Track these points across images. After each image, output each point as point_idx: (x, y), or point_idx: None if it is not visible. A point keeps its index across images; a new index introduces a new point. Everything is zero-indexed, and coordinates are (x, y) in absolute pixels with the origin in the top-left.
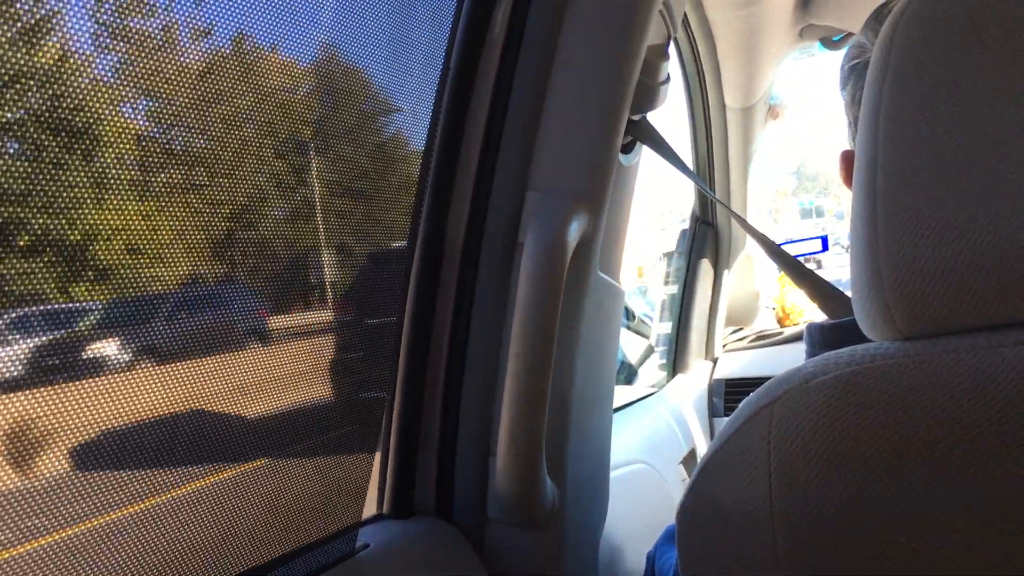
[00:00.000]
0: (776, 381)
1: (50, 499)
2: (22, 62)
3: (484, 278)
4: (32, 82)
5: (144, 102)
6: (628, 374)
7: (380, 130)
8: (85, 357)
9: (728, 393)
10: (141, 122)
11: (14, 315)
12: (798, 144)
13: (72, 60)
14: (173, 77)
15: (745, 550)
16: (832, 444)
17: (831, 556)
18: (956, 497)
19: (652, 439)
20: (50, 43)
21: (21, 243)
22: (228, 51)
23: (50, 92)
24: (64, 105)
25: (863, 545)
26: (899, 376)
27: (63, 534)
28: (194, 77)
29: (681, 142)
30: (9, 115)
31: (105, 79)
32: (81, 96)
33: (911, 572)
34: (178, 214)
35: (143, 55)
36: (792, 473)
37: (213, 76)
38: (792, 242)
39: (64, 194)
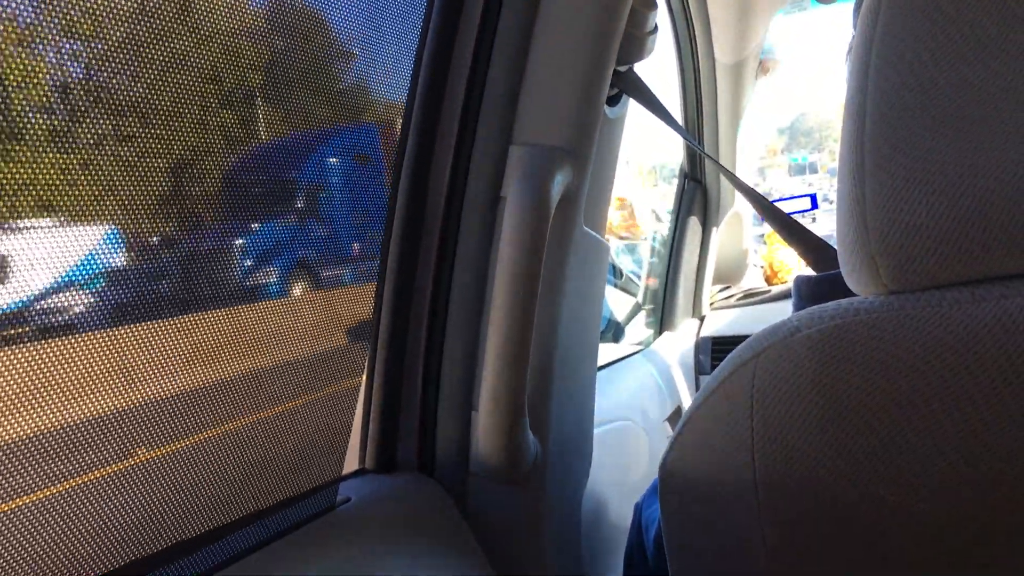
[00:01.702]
0: (760, 335)
1: (30, 460)
2: None
3: (467, 233)
4: None
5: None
6: (615, 332)
7: (360, 84)
8: (45, 312)
9: (715, 351)
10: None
11: None
12: (792, 100)
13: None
14: (137, 29)
15: (726, 502)
16: (815, 397)
17: (810, 508)
18: (936, 452)
19: (638, 396)
20: None
21: None
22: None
23: None
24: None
25: (843, 498)
26: (882, 330)
27: (44, 493)
28: (163, 26)
29: (670, 97)
30: None
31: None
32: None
33: (890, 526)
34: (165, 170)
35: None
36: (774, 426)
37: (184, 28)
38: (781, 200)
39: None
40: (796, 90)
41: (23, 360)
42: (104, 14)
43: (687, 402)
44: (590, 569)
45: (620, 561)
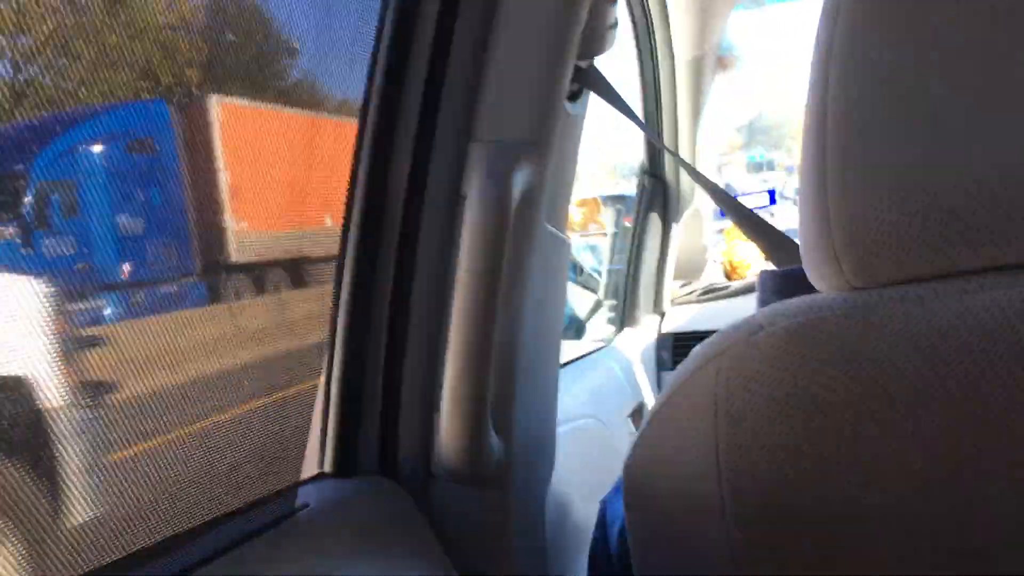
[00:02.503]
0: (724, 332)
1: None
2: None
3: (427, 231)
4: None
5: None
6: (576, 329)
7: (315, 80)
8: None
9: (676, 347)
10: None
11: None
12: (751, 97)
13: None
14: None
15: (691, 501)
16: (779, 395)
17: (776, 506)
18: (901, 450)
19: (600, 394)
20: None
21: None
22: None
23: None
24: None
25: (809, 497)
26: (846, 327)
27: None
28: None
29: (630, 92)
30: None
31: None
32: None
33: (856, 524)
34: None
35: None
36: (739, 424)
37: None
38: (740, 195)
39: None
40: (755, 88)
41: None
42: None
43: (649, 399)
44: (555, 569)
45: (585, 560)
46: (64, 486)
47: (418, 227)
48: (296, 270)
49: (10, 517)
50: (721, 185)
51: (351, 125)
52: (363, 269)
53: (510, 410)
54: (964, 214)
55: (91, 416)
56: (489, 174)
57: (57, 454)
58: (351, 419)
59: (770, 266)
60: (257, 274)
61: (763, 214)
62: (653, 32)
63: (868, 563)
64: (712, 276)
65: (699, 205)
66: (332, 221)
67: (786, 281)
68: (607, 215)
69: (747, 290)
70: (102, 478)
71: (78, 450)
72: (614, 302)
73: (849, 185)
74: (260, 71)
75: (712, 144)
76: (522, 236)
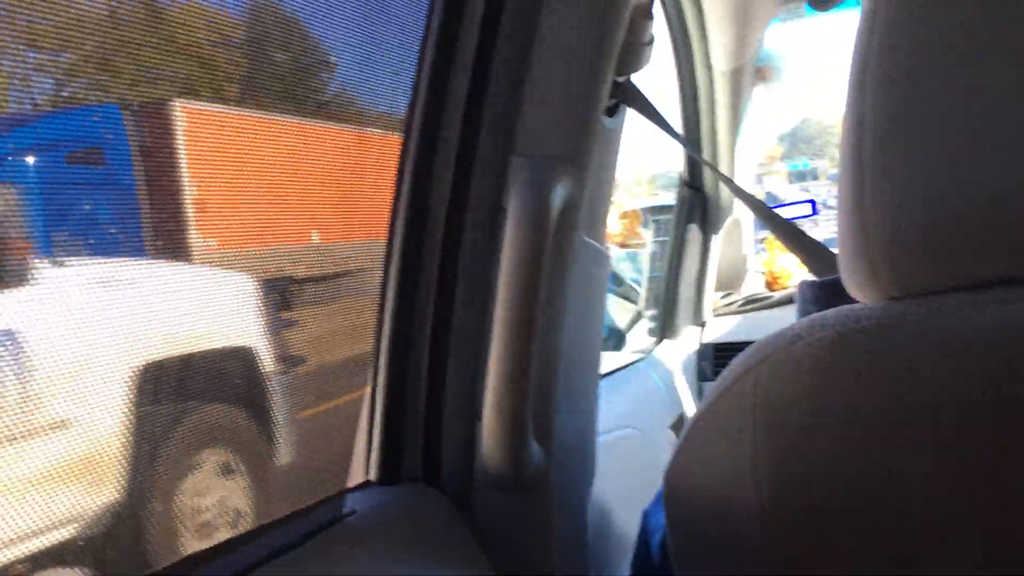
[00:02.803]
0: (762, 343)
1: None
2: None
3: (469, 244)
4: None
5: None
6: (616, 340)
7: (360, 95)
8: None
9: (717, 358)
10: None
11: None
12: (793, 106)
13: None
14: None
15: (730, 509)
16: (816, 406)
17: (815, 517)
18: (940, 460)
19: (641, 404)
20: None
21: None
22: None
23: None
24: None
25: (846, 507)
26: (884, 337)
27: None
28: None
29: (669, 105)
30: None
31: None
32: None
33: (894, 533)
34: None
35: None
36: (776, 435)
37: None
38: (780, 206)
39: None
40: (797, 97)
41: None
42: None
43: (690, 409)
44: None
45: (626, 570)
46: (125, 491)
47: (460, 239)
48: (344, 282)
49: (80, 511)
50: (762, 195)
51: (395, 139)
52: (407, 281)
53: (551, 419)
54: (1004, 223)
55: (150, 423)
56: (529, 187)
57: (119, 460)
58: (396, 428)
59: (810, 276)
60: (310, 287)
61: (806, 224)
62: (691, 45)
63: (905, 570)
64: (753, 286)
65: (739, 215)
66: (377, 233)
67: (825, 291)
68: (647, 226)
69: (788, 301)
70: (161, 483)
71: (137, 456)
72: (654, 313)
73: (886, 195)
74: (312, 90)
75: (752, 154)
76: (562, 248)
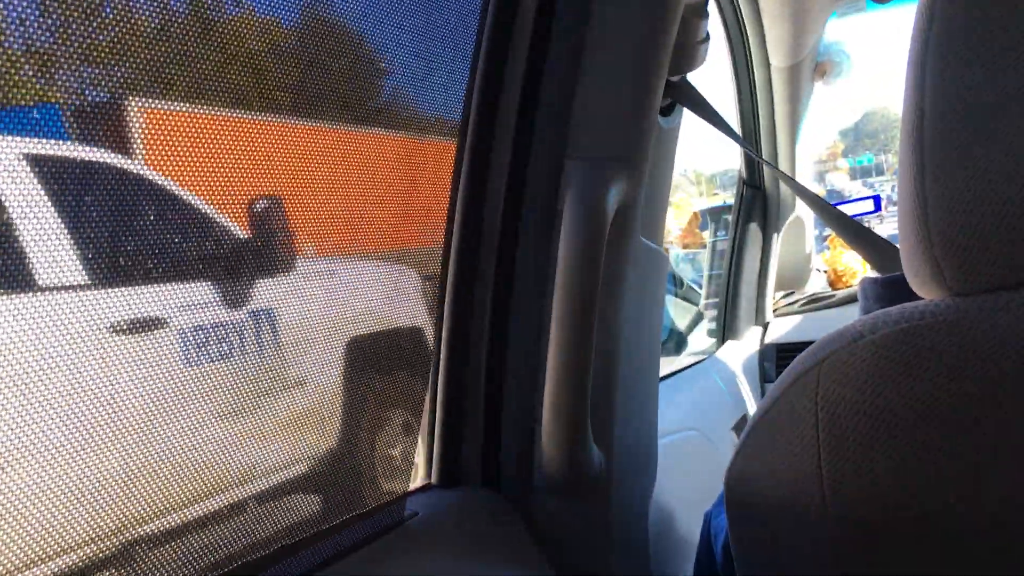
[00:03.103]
0: (824, 341)
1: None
2: None
3: (525, 247)
4: None
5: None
6: (677, 342)
7: (416, 101)
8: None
9: (779, 358)
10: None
11: None
12: (855, 101)
13: None
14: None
15: (794, 510)
16: (880, 403)
17: (880, 516)
18: (1007, 459)
19: (703, 406)
20: None
21: None
22: (262, 19)
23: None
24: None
25: (910, 504)
26: (948, 334)
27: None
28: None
29: (726, 104)
30: None
31: None
32: None
33: (957, 531)
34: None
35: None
36: (840, 432)
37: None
38: (843, 203)
39: None
40: (859, 92)
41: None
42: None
43: (753, 410)
44: None
45: (689, 572)
46: (194, 495)
47: (516, 243)
48: (403, 287)
49: (147, 515)
50: (824, 191)
51: (450, 145)
52: (464, 286)
53: (610, 422)
54: None
55: (221, 427)
56: (584, 190)
57: (188, 464)
58: (455, 433)
59: (873, 273)
60: (371, 288)
61: (873, 220)
62: (747, 42)
63: (967, 569)
64: (816, 285)
65: (801, 213)
66: (434, 239)
67: (888, 288)
68: (706, 227)
69: (852, 299)
70: (230, 487)
71: (204, 459)
72: (715, 314)
73: (947, 190)
74: (368, 99)
75: (812, 151)
76: (618, 250)
